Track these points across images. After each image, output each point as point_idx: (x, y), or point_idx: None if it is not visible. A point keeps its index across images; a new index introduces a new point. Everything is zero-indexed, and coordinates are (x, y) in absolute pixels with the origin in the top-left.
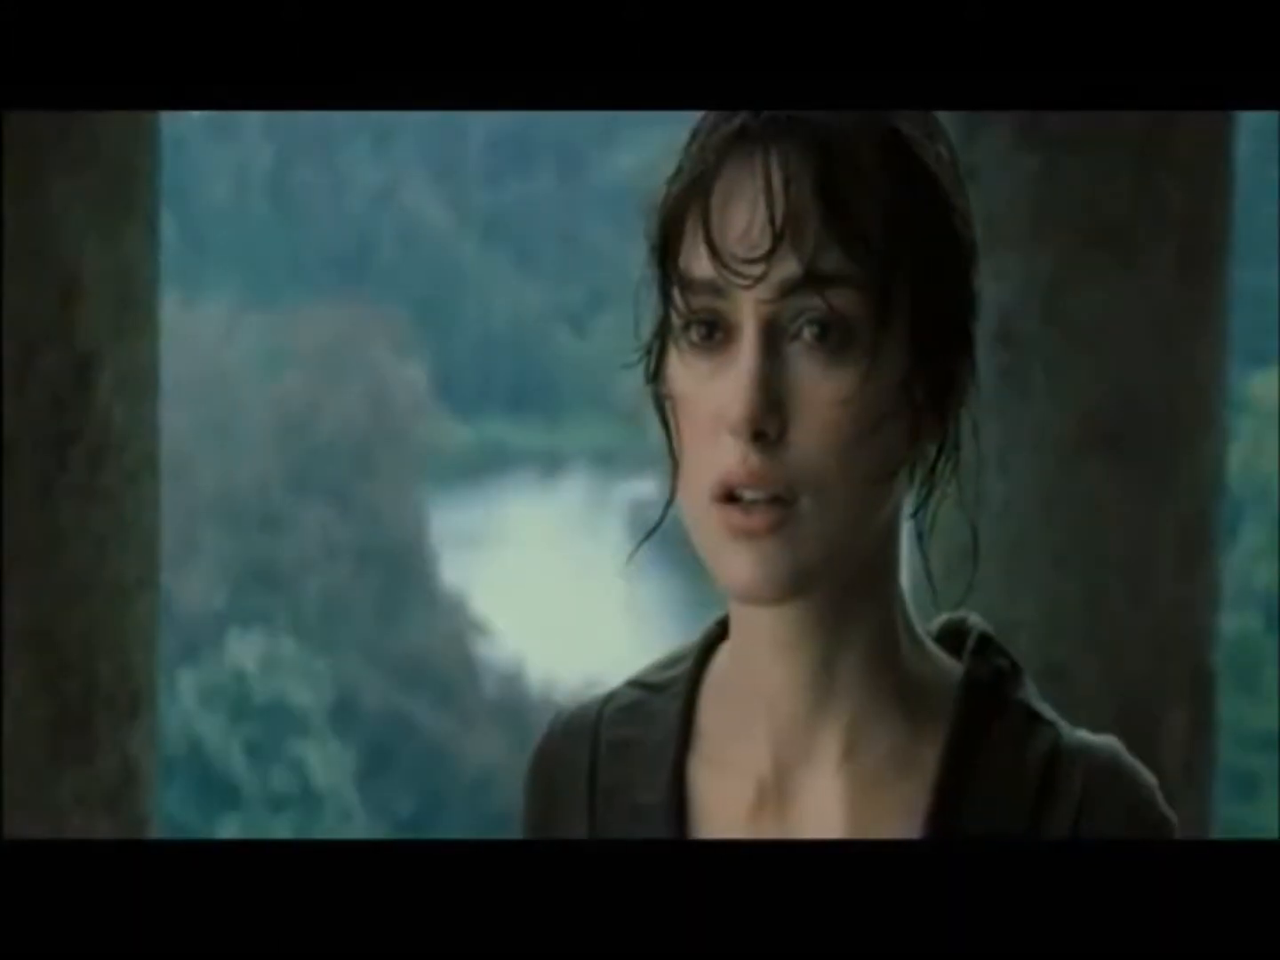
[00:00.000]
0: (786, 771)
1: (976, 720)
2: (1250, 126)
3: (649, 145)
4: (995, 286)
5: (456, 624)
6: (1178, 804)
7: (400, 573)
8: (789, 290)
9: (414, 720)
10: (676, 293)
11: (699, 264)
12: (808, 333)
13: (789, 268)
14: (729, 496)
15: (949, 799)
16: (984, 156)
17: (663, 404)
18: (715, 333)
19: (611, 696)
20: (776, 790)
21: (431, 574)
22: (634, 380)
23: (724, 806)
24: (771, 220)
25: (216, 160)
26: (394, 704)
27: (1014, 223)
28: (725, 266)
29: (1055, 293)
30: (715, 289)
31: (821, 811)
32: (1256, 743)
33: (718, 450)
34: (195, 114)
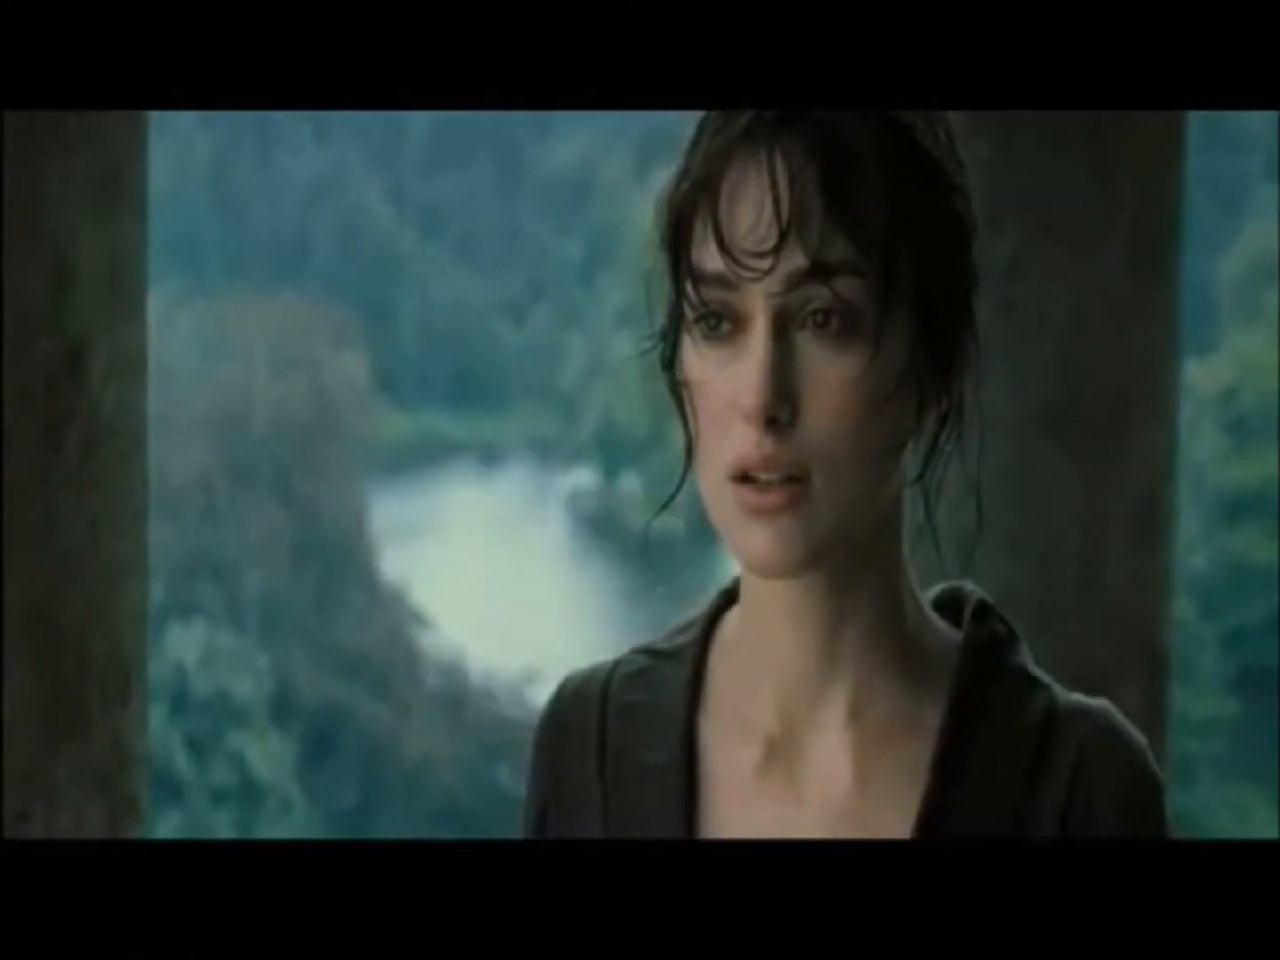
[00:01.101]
0: (794, 732)
1: (976, 683)
2: (1196, 116)
3: (584, 136)
4: None
5: (396, 615)
6: None
7: (340, 564)
8: (797, 282)
9: (354, 711)
10: (689, 285)
11: (710, 258)
12: (815, 320)
13: (796, 260)
14: (745, 477)
15: (951, 758)
16: None
17: (678, 390)
18: (725, 323)
19: (619, 663)
20: (785, 749)
21: (371, 565)
22: (572, 371)
23: (732, 766)
24: (778, 216)
25: (155, 151)
26: (334, 696)
27: None
28: (735, 261)
29: (1009, 280)
30: (725, 282)
31: (829, 770)
32: (1192, 729)
33: (733, 434)
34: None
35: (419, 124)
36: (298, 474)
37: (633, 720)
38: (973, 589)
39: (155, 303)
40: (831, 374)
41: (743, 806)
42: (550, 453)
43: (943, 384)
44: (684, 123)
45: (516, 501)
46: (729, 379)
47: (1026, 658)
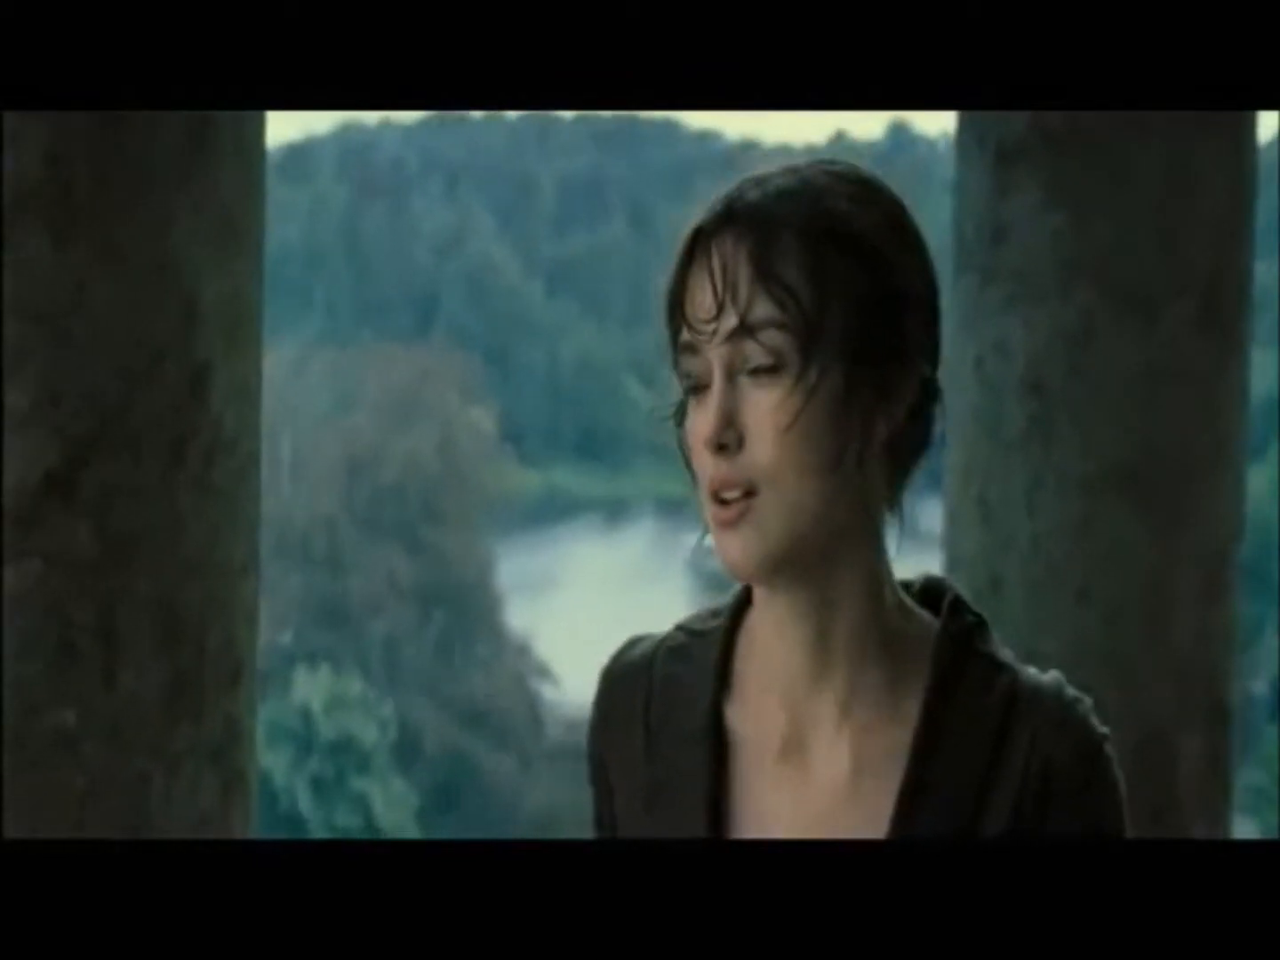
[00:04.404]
0: (799, 729)
1: (948, 674)
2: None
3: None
4: (1025, 337)
5: (520, 667)
6: (1191, 828)
7: (465, 615)
8: (731, 336)
9: (476, 761)
10: (676, 359)
11: (684, 334)
12: (752, 367)
13: (730, 321)
14: (716, 497)
15: (926, 742)
16: (1014, 215)
17: (683, 440)
18: (701, 385)
19: (665, 638)
20: (795, 744)
21: (496, 617)
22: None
23: (755, 745)
24: (714, 290)
25: (289, 200)
26: (457, 744)
27: (1041, 278)
28: (693, 329)
29: (1081, 344)
30: (693, 349)
31: (829, 758)
32: None
33: (704, 464)
34: (271, 156)
35: (549, 178)
36: (425, 524)
37: (673, 690)
38: (951, 584)
39: (287, 351)
40: (762, 406)
41: (761, 783)
42: (674, 510)
43: (884, 412)
44: None
45: (640, 558)
46: (700, 421)
47: (994, 645)
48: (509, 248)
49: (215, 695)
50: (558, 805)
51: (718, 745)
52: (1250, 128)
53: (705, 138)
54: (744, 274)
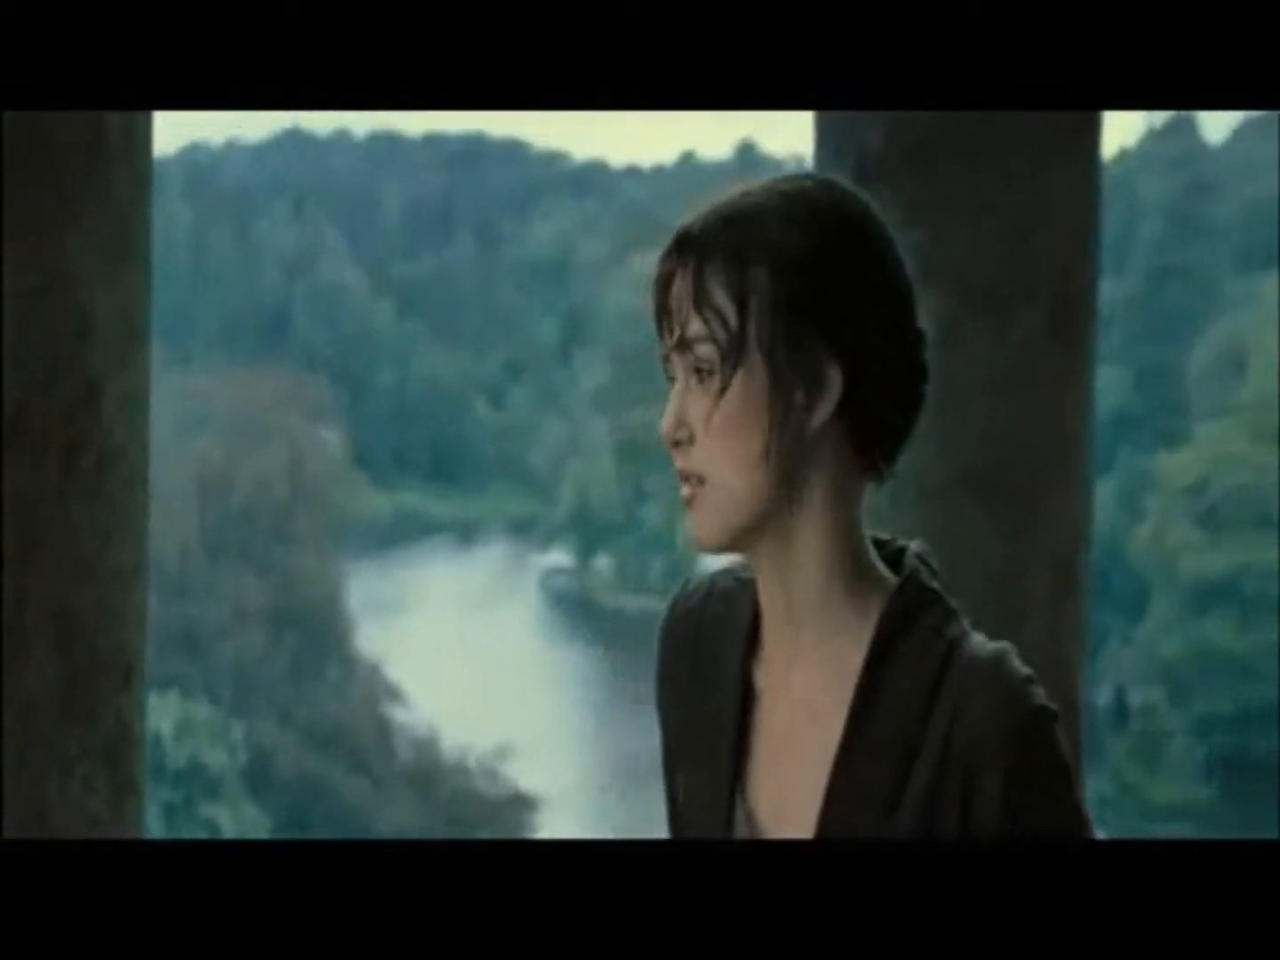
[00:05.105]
0: (789, 679)
1: (892, 635)
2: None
3: (562, 217)
4: None
5: (371, 690)
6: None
7: (316, 638)
8: (677, 347)
9: (328, 784)
10: (665, 361)
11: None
12: (695, 374)
13: (675, 336)
14: (681, 479)
15: (868, 693)
16: None
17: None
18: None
19: (717, 579)
20: (786, 689)
21: (347, 639)
22: (547, 451)
23: (771, 695)
24: (665, 311)
25: None
26: (307, 768)
27: None
28: (660, 340)
29: (937, 352)
30: (665, 356)
31: (810, 703)
32: (1159, 815)
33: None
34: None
35: (396, 201)
36: (274, 547)
37: (719, 630)
38: (913, 551)
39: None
40: (701, 408)
41: (775, 722)
42: (525, 531)
43: (811, 408)
44: (661, 209)
45: (491, 579)
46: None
47: (940, 615)
48: (358, 268)
49: (108, 697)
50: (409, 827)
51: (744, 692)
52: (1096, 145)
53: (553, 158)
54: (684, 297)
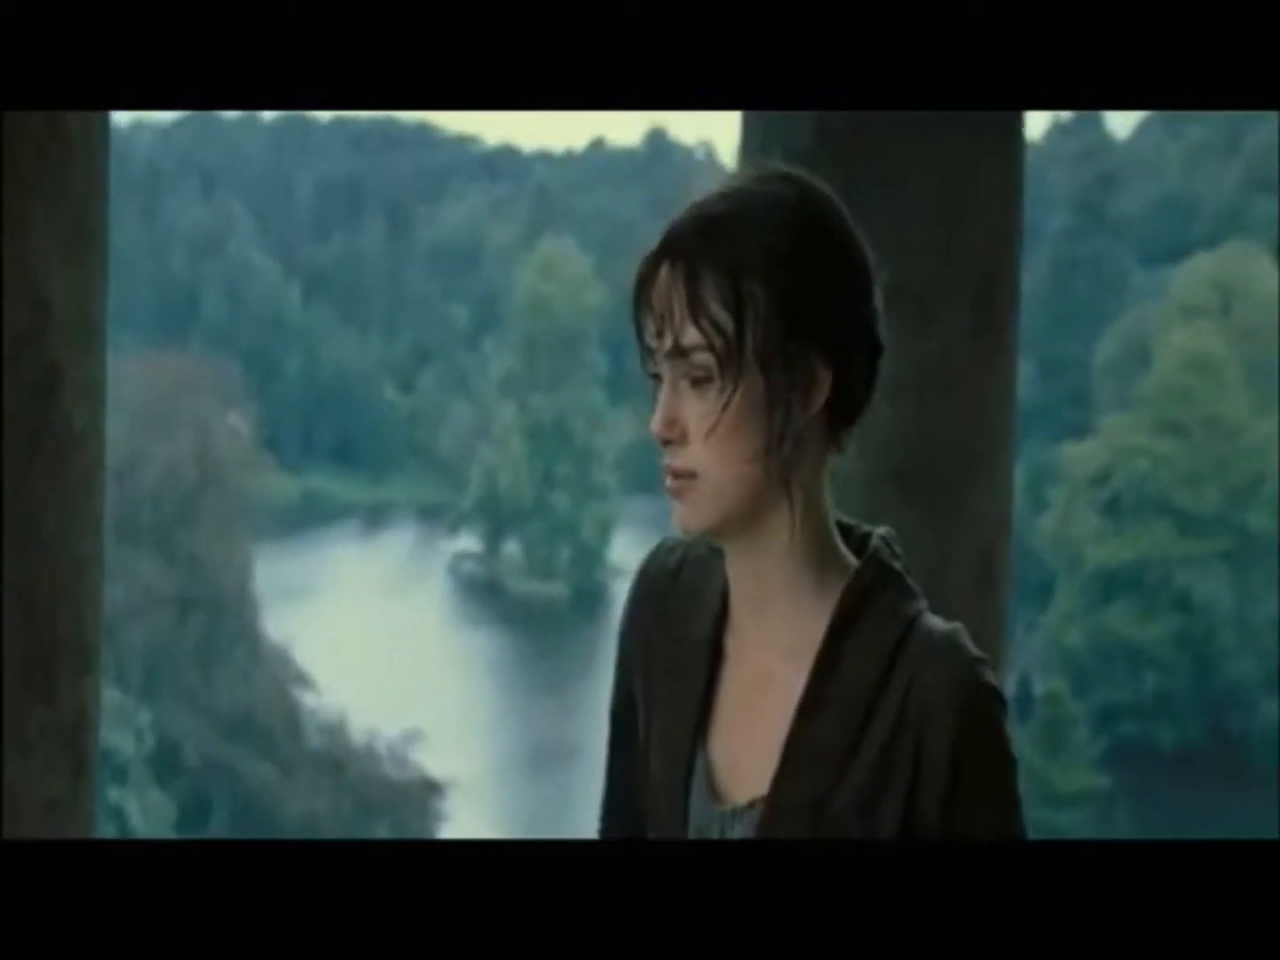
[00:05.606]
0: (754, 647)
1: (850, 612)
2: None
3: (473, 202)
4: None
5: (279, 675)
6: None
7: (224, 622)
8: (670, 354)
9: (235, 769)
10: (643, 358)
11: (645, 340)
12: (688, 378)
13: (669, 343)
14: (668, 473)
15: (826, 664)
16: None
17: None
18: (660, 382)
19: (692, 548)
20: (756, 659)
21: (255, 624)
22: (456, 436)
23: (738, 664)
24: (656, 318)
25: None
26: (215, 753)
27: None
28: (646, 347)
29: None
30: (651, 353)
31: (777, 679)
32: (1062, 801)
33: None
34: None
35: (307, 181)
36: (182, 531)
37: (691, 595)
38: (879, 535)
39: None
40: (695, 410)
41: (739, 684)
42: (434, 516)
43: (802, 406)
44: (572, 195)
45: (400, 564)
46: (653, 418)
47: (898, 595)
48: (267, 251)
49: (68, 680)
50: (318, 813)
51: (711, 660)
52: (1019, 139)
53: (463, 141)
54: (677, 307)
